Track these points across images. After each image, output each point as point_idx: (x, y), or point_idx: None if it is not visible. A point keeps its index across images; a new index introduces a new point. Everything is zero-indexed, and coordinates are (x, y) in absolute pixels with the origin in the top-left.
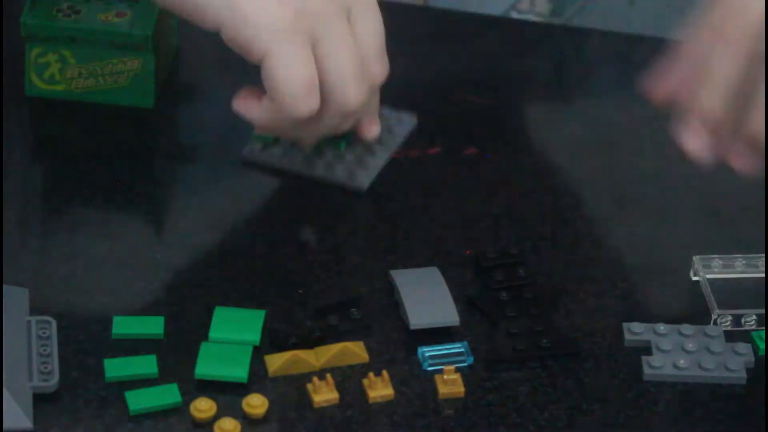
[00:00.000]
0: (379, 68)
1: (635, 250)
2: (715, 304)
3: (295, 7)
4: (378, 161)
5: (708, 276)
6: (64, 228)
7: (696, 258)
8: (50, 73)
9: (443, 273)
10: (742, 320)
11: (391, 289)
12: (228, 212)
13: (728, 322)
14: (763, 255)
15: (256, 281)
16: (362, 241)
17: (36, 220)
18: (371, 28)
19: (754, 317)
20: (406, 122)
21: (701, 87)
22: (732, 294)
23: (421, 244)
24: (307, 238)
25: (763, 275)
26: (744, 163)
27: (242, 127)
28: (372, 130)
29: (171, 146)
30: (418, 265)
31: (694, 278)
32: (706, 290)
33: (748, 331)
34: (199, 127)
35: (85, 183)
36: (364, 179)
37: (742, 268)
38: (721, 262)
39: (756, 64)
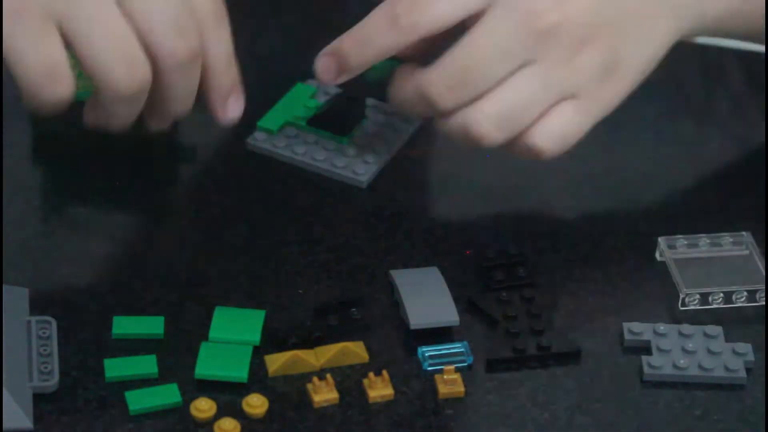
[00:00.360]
0: (168, 43)
1: (636, 250)
2: (682, 284)
3: None
4: (380, 158)
5: (673, 256)
6: (64, 228)
7: (661, 239)
8: None
9: (443, 273)
10: (710, 298)
11: (391, 289)
12: (228, 212)
13: (696, 301)
14: (727, 234)
15: (256, 281)
16: (362, 241)
17: (36, 220)
18: None
19: (721, 295)
20: (410, 120)
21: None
22: (698, 273)
23: (421, 244)
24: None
25: (728, 254)
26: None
27: (242, 126)
28: (224, 112)
29: (171, 146)
30: (418, 265)
31: (660, 259)
32: (673, 270)
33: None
34: (199, 127)
35: (85, 183)
36: (364, 175)
37: (706, 248)
38: (685, 242)
39: None
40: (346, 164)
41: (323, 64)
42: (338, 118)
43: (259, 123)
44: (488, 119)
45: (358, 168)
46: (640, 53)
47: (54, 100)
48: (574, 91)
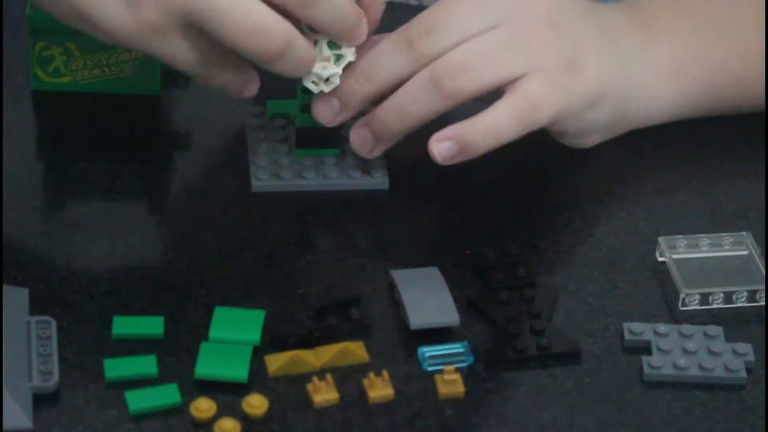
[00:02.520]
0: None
1: (635, 250)
2: (682, 284)
3: None
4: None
5: (674, 256)
6: (64, 228)
7: (661, 239)
8: (55, 66)
9: (443, 273)
10: (710, 298)
11: (391, 289)
12: (228, 212)
13: (696, 301)
14: (727, 234)
15: (256, 281)
16: (362, 241)
17: (36, 220)
18: None
19: (721, 295)
20: None
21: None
22: (698, 273)
23: (421, 244)
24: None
25: (728, 254)
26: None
27: (239, 130)
28: (352, 41)
29: (172, 146)
30: (418, 265)
31: (660, 259)
32: (673, 270)
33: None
34: (200, 127)
35: (85, 182)
36: (383, 176)
37: (706, 248)
38: (686, 242)
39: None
40: (359, 173)
41: (359, 136)
42: (322, 132)
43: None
44: (453, 66)
45: (372, 172)
46: (602, 65)
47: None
48: (539, 67)
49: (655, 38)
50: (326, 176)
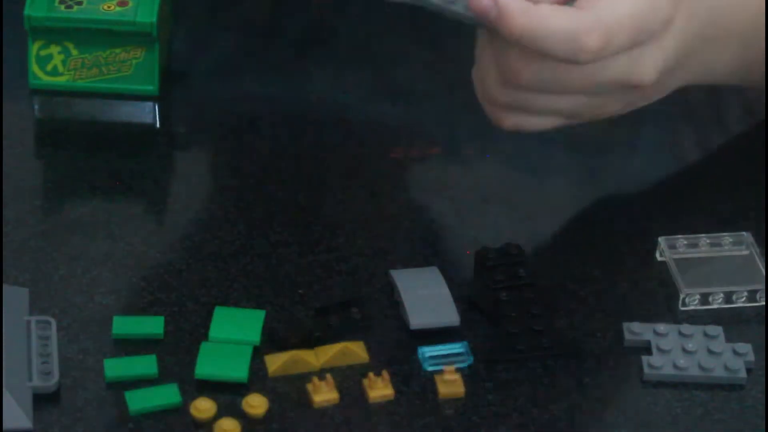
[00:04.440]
0: None
1: (635, 250)
2: (682, 284)
3: None
4: None
5: (674, 256)
6: (64, 228)
7: (661, 239)
8: (53, 65)
9: (443, 273)
10: (710, 298)
11: (391, 289)
12: (228, 212)
13: (696, 301)
14: (727, 234)
15: (256, 281)
16: (362, 241)
17: (36, 220)
18: None
19: (721, 295)
20: None
21: None
22: (698, 273)
23: (421, 244)
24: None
25: (728, 254)
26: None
27: (239, 130)
28: None
29: (171, 145)
30: (418, 265)
31: (660, 259)
32: (673, 270)
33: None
34: (199, 126)
35: (85, 182)
36: None
37: (706, 248)
38: (685, 242)
39: None
40: None
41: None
42: None
43: None
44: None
45: None
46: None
47: None
48: None
49: None
50: None
